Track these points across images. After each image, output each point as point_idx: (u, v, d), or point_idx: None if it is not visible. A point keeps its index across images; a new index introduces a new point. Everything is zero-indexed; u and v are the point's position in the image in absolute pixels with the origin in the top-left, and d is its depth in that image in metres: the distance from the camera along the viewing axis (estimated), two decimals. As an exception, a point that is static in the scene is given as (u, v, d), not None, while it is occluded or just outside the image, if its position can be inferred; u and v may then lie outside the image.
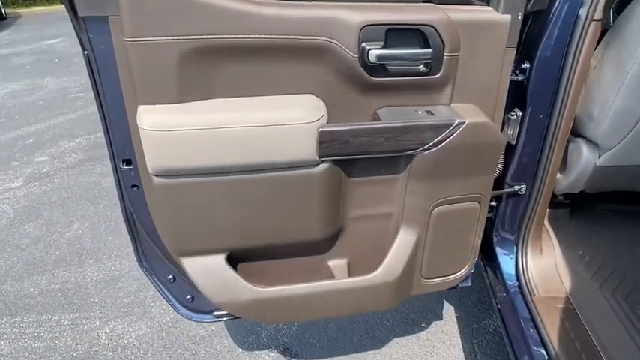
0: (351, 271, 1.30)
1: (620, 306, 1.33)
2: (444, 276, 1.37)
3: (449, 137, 1.10)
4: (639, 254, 1.56)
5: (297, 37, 0.99)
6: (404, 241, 1.24)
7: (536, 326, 1.31)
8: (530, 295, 1.39)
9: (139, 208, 1.19)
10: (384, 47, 1.02)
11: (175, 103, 0.99)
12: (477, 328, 1.98)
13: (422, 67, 1.08)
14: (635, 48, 1.20)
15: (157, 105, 0.99)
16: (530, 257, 1.48)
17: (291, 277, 1.24)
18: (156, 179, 1.02)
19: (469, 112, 1.13)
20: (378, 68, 1.05)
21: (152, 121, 0.96)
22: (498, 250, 1.52)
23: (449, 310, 2.08)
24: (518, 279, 1.44)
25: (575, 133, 1.46)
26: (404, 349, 1.88)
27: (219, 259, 1.15)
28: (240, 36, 0.96)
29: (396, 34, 1.03)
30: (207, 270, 1.15)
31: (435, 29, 1.03)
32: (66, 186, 3.19)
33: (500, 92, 1.20)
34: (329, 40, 1.00)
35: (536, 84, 1.25)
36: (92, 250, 2.51)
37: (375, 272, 1.23)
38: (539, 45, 1.21)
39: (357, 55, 1.02)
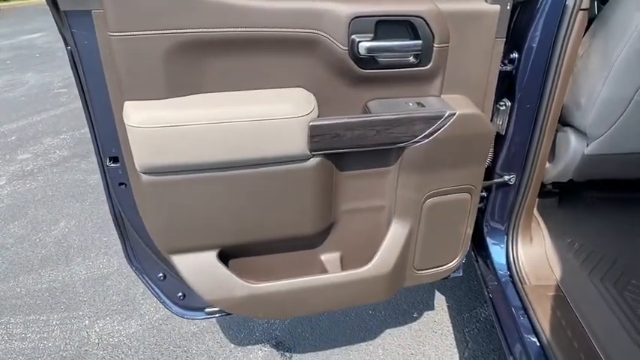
0: (344, 265, 1.30)
1: (609, 292, 1.35)
2: (437, 267, 1.37)
3: (440, 129, 1.09)
4: (627, 241, 1.59)
5: (286, 30, 0.97)
6: (396, 234, 1.24)
7: (527, 314, 1.32)
8: (522, 283, 1.40)
9: (127, 207, 1.17)
10: (373, 39, 1.01)
11: (163, 98, 0.97)
12: (468, 317, 2.00)
13: (412, 59, 1.07)
14: (621, 37, 1.21)
15: (143, 101, 0.96)
16: (521, 246, 1.49)
17: (284, 272, 1.23)
18: (144, 177, 1.00)
19: (459, 104, 1.13)
20: (368, 60, 1.03)
21: (139, 117, 0.94)
22: (489, 240, 1.53)
23: (440, 301, 2.09)
24: (509, 268, 1.46)
25: (563, 122, 1.47)
26: (396, 340, 1.89)
27: (211, 256, 1.14)
28: (228, 29, 0.94)
29: (385, 26, 1.02)
30: (199, 267, 1.13)
31: (425, 20, 1.02)
32: (50, 184, 3.13)
33: (489, 83, 1.20)
34: (318, 32, 0.99)
35: (524, 74, 1.25)
36: (79, 248, 2.47)
37: (368, 265, 1.23)
38: (528, 35, 1.21)
39: (346, 48, 1.00)
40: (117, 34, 0.89)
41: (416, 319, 2.00)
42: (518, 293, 1.39)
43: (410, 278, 1.35)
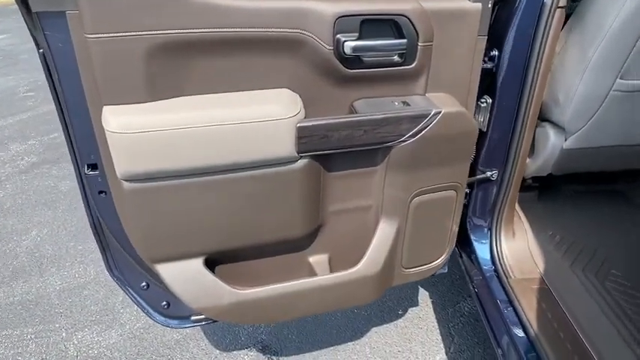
0: (332, 266, 1.29)
1: (591, 282, 1.38)
2: (424, 265, 1.38)
3: (426, 127, 1.10)
4: (604, 232, 1.63)
5: (270, 29, 0.95)
6: (384, 233, 1.24)
7: (514, 308, 1.34)
8: (507, 277, 1.42)
9: (107, 215, 1.12)
10: (358, 39, 1.00)
11: (144, 102, 0.94)
12: (452, 311, 2.02)
13: (396, 58, 1.07)
14: (596, 33, 1.23)
15: (124, 105, 0.92)
16: (504, 241, 1.51)
17: (272, 276, 1.21)
18: (126, 184, 0.96)
19: (444, 102, 1.13)
20: (354, 60, 1.02)
21: (119, 122, 0.90)
22: (472, 236, 1.55)
23: (424, 297, 2.11)
24: (493, 263, 1.47)
25: (542, 117, 1.49)
26: (382, 338, 1.90)
27: (197, 263, 1.11)
28: (211, 30, 0.91)
29: (370, 25, 1.01)
30: (185, 275, 1.10)
31: (409, 19, 1.02)
32: (20, 191, 3.00)
33: (472, 80, 1.21)
34: (303, 32, 0.97)
35: (505, 71, 1.27)
36: (53, 257, 2.38)
37: (358, 266, 1.22)
38: (507, 33, 1.22)
39: (331, 47, 0.99)
40: (94, 35, 0.85)
41: (401, 316, 2.01)
42: (503, 287, 1.41)
43: (398, 277, 1.35)
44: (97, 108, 0.95)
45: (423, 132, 1.10)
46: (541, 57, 1.22)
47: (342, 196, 1.20)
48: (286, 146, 1.01)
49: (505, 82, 1.28)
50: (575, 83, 1.31)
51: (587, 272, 1.43)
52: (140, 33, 0.87)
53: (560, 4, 1.16)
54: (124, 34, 0.86)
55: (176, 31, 0.89)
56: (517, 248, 1.52)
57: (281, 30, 0.96)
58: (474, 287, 1.50)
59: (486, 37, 1.16)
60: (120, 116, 0.91)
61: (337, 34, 0.98)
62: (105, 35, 0.85)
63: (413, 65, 1.08)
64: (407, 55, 1.06)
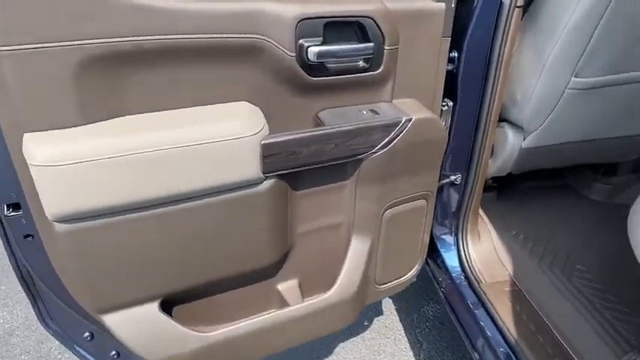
0: (304, 291, 1.18)
1: (560, 280, 1.39)
2: (397, 278, 1.31)
3: (397, 136, 1.02)
4: (561, 225, 1.66)
5: (222, 35, 0.83)
6: (357, 251, 1.15)
7: (487, 312, 1.32)
8: (478, 283, 1.39)
9: (36, 262, 0.94)
10: (323, 43, 0.90)
11: (74, 126, 0.78)
12: (417, 317, 1.99)
13: (362, 64, 0.98)
14: (552, 33, 1.23)
15: (49, 131, 0.76)
16: (471, 245, 1.48)
17: (240, 311, 1.08)
18: (58, 226, 0.80)
19: (413, 108, 1.07)
20: (318, 67, 0.93)
21: (45, 152, 0.74)
22: (439, 242, 1.51)
23: (388, 304, 2.06)
24: (463, 269, 1.44)
25: (500, 117, 1.48)
26: (351, 354, 1.82)
27: (152, 308, 0.95)
28: (152, 37, 0.77)
29: (334, 29, 0.92)
30: (139, 324, 0.94)
31: (374, 21, 0.94)
32: None
33: (437, 83, 1.16)
34: (261, 37, 0.86)
35: (465, 73, 1.23)
36: (-31, 302, 2.06)
37: (332, 290, 1.13)
38: (467, 33, 1.19)
39: (294, 54, 0.89)
40: (7, 48, 0.68)
41: (367, 327, 1.94)
42: (475, 293, 1.38)
43: (372, 295, 1.28)
44: (14, 135, 0.78)
45: (395, 141, 1.03)
46: (501, 57, 1.20)
47: (311, 216, 1.10)
48: (249, 167, 0.89)
49: (466, 84, 1.25)
50: (533, 83, 1.31)
51: (554, 270, 1.43)
52: (66, 43, 0.71)
53: (519, 4, 1.14)
54: (45, 45, 0.70)
55: (111, 40, 0.74)
56: (484, 251, 1.50)
57: (235, 35, 0.84)
58: (444, 294, 1.46)
59: (450, 38, 1.12)
60: (45, 145, 0.75)
61: (300, 39, 0.88)
62: (21, 47, 0.69)
63: (379, 70, 1.00)
64: (373, 60, 0.98)
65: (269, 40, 0.86)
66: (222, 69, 0.87)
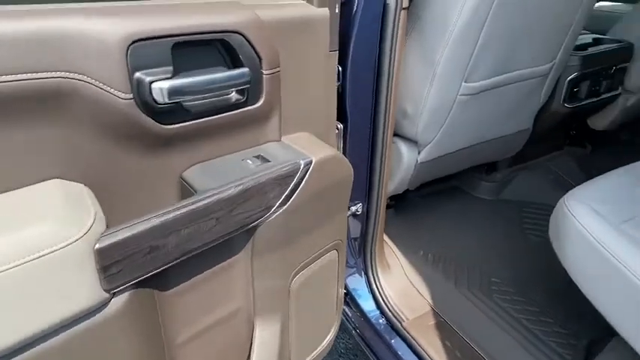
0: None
1: (481, 300, 1.29)
2: (316, 348, 1.05)
3: (297, 187, 0.76)
4: (463, 231, 1.59)
5: (7, 78, 0.48)
6: (264, 340, 0.86)
7: (414, 351, 1.16)
8: (400, 322, 1.22)
9: None
10: (175, 75, 0.60)
11: None
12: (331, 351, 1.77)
13: (236, 96, 0.70)
14: (439, 38, 1.09)
15: None
16: (382, 279, 1.30)
17: None
18: None
19: (309, 145, 0.82)
20: (172, 110, 0.62)
21: None
22: (349, 284, 1.31)
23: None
24: (381, 311, 1.26)
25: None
26: None
27: None
28: None
29: (187, 52, 0.62)
30: None
31: (245, 37, 0.67)
32: None
33: (330, 108, 0.93)
34: (70, 74, 0.52)
35: (353, 89, 1.03)
36: None
37: None
38: (350, 44, 0.98)
39: (129, 95, 0.56)
40: None
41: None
42: (400, 335, 1.21)
43: None
44: None
45: (295, 194, 0.76)
46: (392, 67, 1.02)
47: (193, 315, 0.77)
48: (82, 289, 0.54)
49: (355, 102, 1.05)
50: (424, 94, 1.16)
51: (472, 290, 1.33)
52: None
53: (404, 5, 0.97)
54: None
55: None
56: (398, 283, 1.33)
57: (29, 76, 0.49)
58: (366, 344, 1.25)
59: (337, 51, 0.89)
60: None
61: (135, 72, 0.56)
62: None
63: (260, 103, 0.73)
64: (250, 91, 0.71)
65: (84, 78, 0.53)
66: (15, 133, 0.51)
